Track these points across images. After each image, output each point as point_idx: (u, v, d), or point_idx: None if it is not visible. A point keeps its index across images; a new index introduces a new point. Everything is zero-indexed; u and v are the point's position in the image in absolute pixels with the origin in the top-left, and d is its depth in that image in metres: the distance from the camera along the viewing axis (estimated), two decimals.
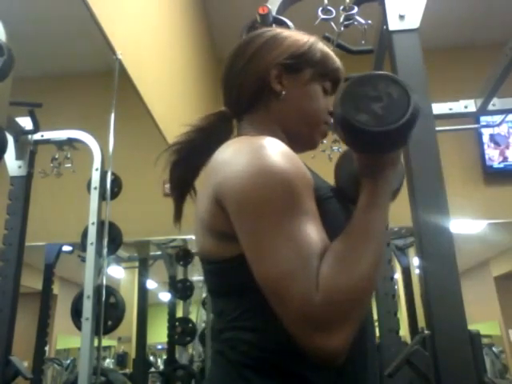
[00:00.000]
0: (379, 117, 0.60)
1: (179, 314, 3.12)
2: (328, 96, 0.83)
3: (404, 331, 2.80)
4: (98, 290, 1.62)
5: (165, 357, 3.27)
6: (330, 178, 0.80)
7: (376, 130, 0.60)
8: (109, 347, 3.16)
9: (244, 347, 0.64)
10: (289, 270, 0.57)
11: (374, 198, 0.65)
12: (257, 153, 0.64)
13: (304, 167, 0.67)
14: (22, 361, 1.58)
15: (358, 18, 1.32)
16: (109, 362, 3.10)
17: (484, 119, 2.53)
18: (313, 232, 0.59)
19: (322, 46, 0.83)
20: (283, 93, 0.78)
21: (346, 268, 0.57)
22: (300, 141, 0.81)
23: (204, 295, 3.10)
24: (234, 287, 0.67)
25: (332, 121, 0.81)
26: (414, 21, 1.20)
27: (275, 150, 0.65)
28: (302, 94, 0.80)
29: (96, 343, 1.59)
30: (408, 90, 0.62)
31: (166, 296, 3.21)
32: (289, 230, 0.59)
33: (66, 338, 2.43)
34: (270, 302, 0.59)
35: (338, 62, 0.84)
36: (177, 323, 3.00)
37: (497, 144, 3.49)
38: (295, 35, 0.83)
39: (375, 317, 1.85)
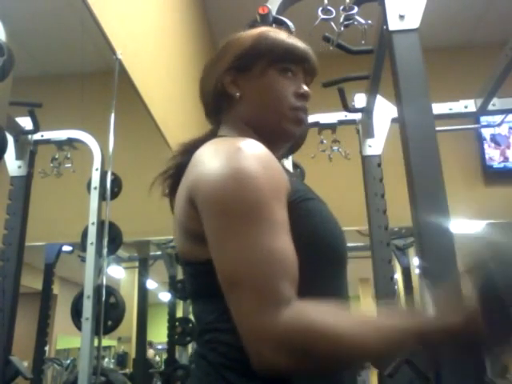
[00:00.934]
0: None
1: (179, 314, 3.12)
2: (294, 78, 0.80)
3: None
4: (98, 289, 1.62)
5: (165, 356, 3.27)
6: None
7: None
8: (109, 347, 3.16)
9: (224, 349, 0.64)
10: (249, 275, 0.57)
11: (415, 328, 0.58)
12: (232, 155, 0.64)
13: (280, 172, 0.67)
14: (22, 361, 1.58)
15: (358, 17, 1.32)
16: (108, 362, 3.09)
17: (484, 119, 2.53)
18: (279, 244, 0.59)
19: (268, 34, 0.81)
20: (237, 94, 0.79)
21: (332, 334, 0.56)
22: (273, 135, 0.79)
23: None
24: (211, 289, 0.67)
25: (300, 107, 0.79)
26: (414, 21, 1.20)
27: (251, 153, 0.65)
28: (258, 87, 0.79)
29: (96, 343, 1.59)
30: None
31: (166, 296, 3.21)
32: (255, 237, 0.59)
33: (66, 338, 2.43)
34: (228, 301, 0.60)
35: (288, 41, 0.80)
36: (177, 323, 3.00)
37: (497, 144, 3.49)
38: (243, 35, 0.83)
39: None
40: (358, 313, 0.60)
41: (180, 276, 3.12)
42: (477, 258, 0.60)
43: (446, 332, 0.58)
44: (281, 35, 0.81)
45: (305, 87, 0.80)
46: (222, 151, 0.66)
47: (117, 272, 2.81)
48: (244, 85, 0.79)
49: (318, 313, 0.57)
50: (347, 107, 2.02)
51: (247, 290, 0.57)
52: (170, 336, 2.97)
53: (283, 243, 0.60)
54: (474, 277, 0.58)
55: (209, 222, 0.63)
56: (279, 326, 0.55)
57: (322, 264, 0.68)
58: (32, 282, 2.11)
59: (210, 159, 0.66)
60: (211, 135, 0.82)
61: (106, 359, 3.07)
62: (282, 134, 0.80)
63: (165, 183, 0.82)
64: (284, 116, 0.78)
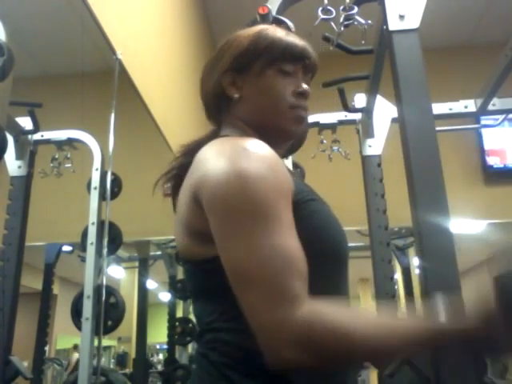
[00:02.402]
0: None
1: (179, 314, 3.12)
2: (293, 76, 0.79)
3: None
4: (98, 289, 1.62)
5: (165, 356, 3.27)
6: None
7: None
8: (109, 347, 3.16)
9: (225, 348, 0.64)
10: (261, 272, 0.58)
11: (431, 330, 0.57)
12: (238, 154, 0.65)
13: (285, 173, 0.67)
14: (22, 361, 1.58)
15: (358, 17, 1.32)
16: (105, 361, 3.08)
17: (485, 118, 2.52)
18: (287, 242, 0.60)
19: (267, 33, 0.80)
20: (236, 95, 0.79)
21: (350, 336, 0.56)
22: (273, 135, 0.78)
23: None
24: (213, 288, 0.67)
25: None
26: (414, 21, 1.20)
27: (257, 153, 0.65)
28: (257, 88, 0.78)
29: (96, 343, 1.59)
30: None
31: (166, 296, 3.21)
32: (263, 235, 0.59)
33: (66, 337, 2.43)
34: (240, 299, 0.59)
35: (287, 39, 0.79)
36: (177, 323, 3.01)
37: None
38: (241, 35, 0.82)
39: None
40: (372, 314, 0.59)
41: (180, 276, 3.12)
42: (503, 263, 0.60)
43: (463, 334, 0.57)
44: (279, 33, 0.80)
45: (304, 86, 0.79)
46: (228, 150, 0.66)
47: (117, 272, 2.81)
48: (243, 85, 0.79)
49: (335, 314, 0.57)
50: (347, 107, 2.02)
51: (260, 287, 0.57)
52: (169, 336, 2.98)
53: (291, 241, 0.60)
54: (498, 279, 0.57)
55: (216, 221, 0.63)
56: (297, 324, 0.55)
57: (324, 262, 0.68)
58: (32, 282, 2.11)
59: (216, 158, 0.66)
60: (213, 136, 0.82)
61: (104, 358, 3.07)
62: (282, 134, 0.80)
63: (167, 184, 0.82)
64: (283, 115, 0.78)
